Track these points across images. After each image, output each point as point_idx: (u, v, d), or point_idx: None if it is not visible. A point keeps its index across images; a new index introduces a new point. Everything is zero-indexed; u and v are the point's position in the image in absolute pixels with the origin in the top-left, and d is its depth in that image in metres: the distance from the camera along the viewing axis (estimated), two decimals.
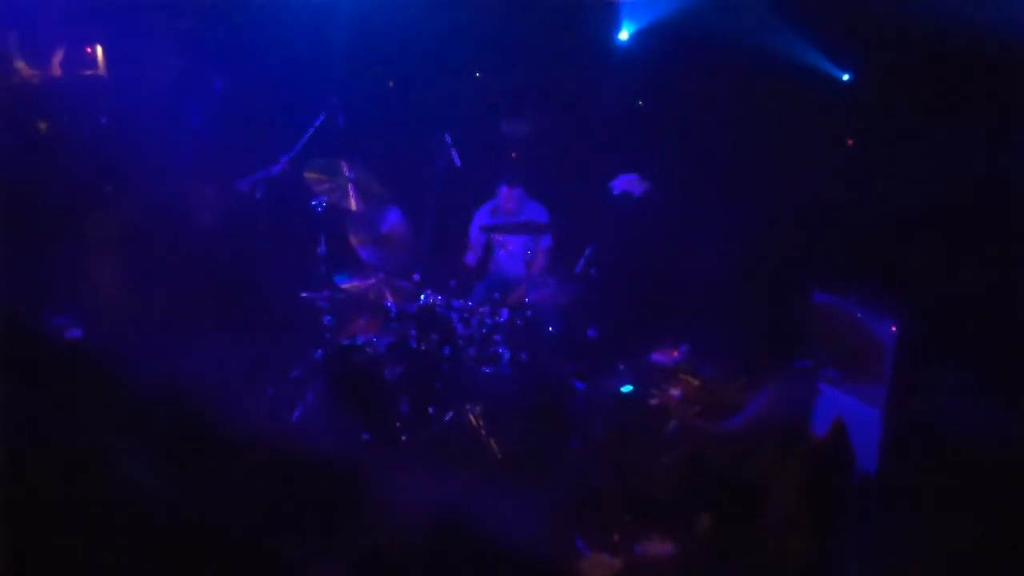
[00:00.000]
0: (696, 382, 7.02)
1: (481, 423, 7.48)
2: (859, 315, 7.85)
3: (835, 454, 5.67)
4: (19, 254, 7.57)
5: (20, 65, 8.88)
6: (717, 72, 9.93)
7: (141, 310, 8.00)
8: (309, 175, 7.91)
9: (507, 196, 8.92)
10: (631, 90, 10.94)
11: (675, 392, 6.95)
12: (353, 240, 8.18)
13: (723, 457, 5.97)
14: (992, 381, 6.25)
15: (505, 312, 8.00)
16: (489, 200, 9.23)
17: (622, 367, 7.87)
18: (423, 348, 7.79)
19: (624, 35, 10.53)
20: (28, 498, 4.30)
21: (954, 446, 6.04)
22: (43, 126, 9.00)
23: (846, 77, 10.12)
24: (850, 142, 10.24)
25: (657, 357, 7.73)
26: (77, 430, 4.68)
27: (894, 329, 7.17)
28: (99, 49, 9.46)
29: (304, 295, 8.14)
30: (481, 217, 9.25)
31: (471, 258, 9.31)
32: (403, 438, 7.39)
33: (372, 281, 8.09)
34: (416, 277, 8.22)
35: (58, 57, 9.13)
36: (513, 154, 10.36)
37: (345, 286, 8.08)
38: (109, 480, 4.47)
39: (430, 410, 7.58)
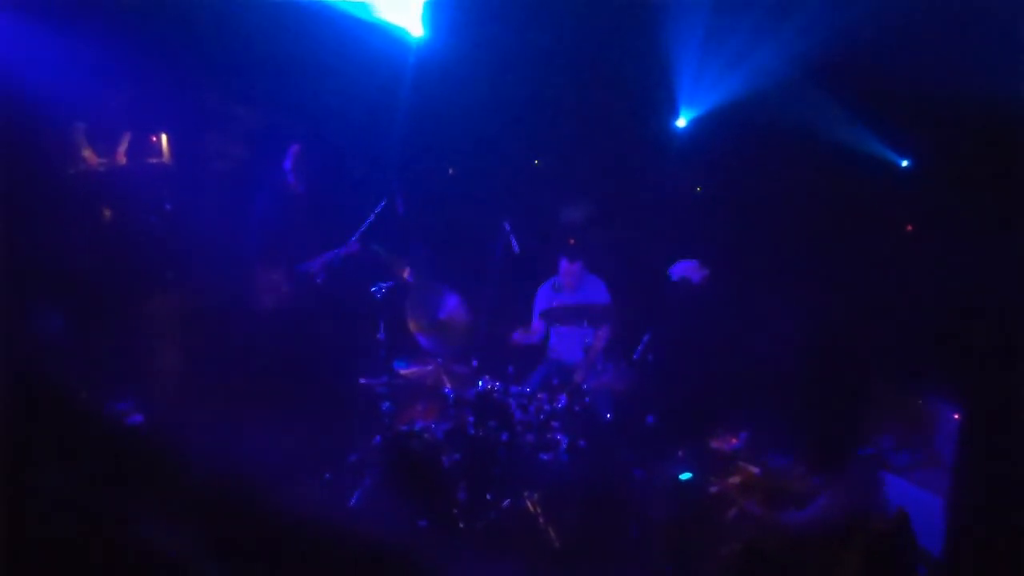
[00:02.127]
0: (755, 470, 6.95)
1: (539, 510, 7.42)
2: (922, 403, 7.77)
3: (898, 545, 5.58)
4: (83, 340, 7.70)
5: (86, 153, 9.05)
6: (775, 158, 9.95)
7: (201, 395, 8.08)
8: (370, 258, 8.01)
9: (567, 270, 8.93)
10: (689, 176, 10.98)
11: (734, 480, 6.88)
12: (412, 326, 8.23)
13: (784, 548, 5.89)
14: None
15: (563, 398, 7.97)
16: (549, 277, 9.23)
17: (681, 454, 7.80)
18: (481, 434, 7.76)
19: (682, 122, 10.60)
20: None
21: (1019, 535, 5.92)
22: (108, 213, 9.15)
23: (905, 163, 10.11)
24: (909, 228, 10.20)
25: (716, 444, 7.68)
26: (137, 515, 4.72)
27: (957, 417, 7.09)
28: (164, 137, 9.63)
29: (363, 381, 8.17)
30: (543, 294, 9.26)
31: (536, 338, 9.29)
32: (461, 525, 7.33)
33: (430, 367, 8.13)
34: (474, 363, 8.24)
35: (123, 145, 9.29)
36: (571, 240, 10.41)
37: (404, 372, 8.12)
38: (168, 565, 4.50)
39: (488, 497, 7.52)
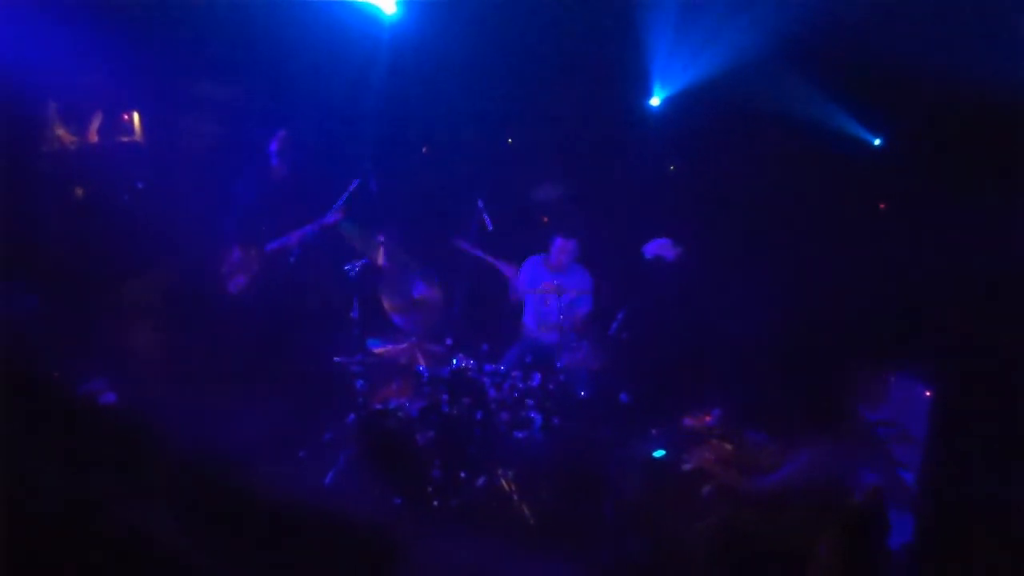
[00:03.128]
0: (729, 446, 6.97)
1: (513, 488, 7.43)
2: (894, 380, 7.81)
3: (872, 520, 5.61)
4: (55, 319, 7.65)
5: (58, 132, 8.99)
6: (748, 137, 9.97)
7: (174, 375, 8.05)
8: (343, 238, 7.99)
9: (561, 247, 8.96)
10: (662, 155, 10.99)
11: (708, 456, 6.90)
12: (386, 305, 8.22)
13: (758, 523, 5.92)
14: None
15: (538, 376, 7.98)
16: (520, 256, 9.24)
17: (655, 431, 7.82)
18: (455, 413, 7.76)
19: (655, 101, 10.60)
20: (61, 562, 4.31)
21: (986, 514, 5.97)
22: (80, 192, 9.10)
23: (877, 142, 10.14)
24: (882, 206, 10.24)
25: (690, 421, 7.70)
26: (110, 494, 4.69)
27: (928, 395, 7.13)
28: (136, 116, 9.57)
29: (337, 360, 8.16)
30: (529, 266, 9.29)
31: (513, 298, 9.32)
32: (435, 503, 7.33)
33: (405, 346, 8.14)
34: (448, 341, 8.23)
35: (96, 124, 9.24)
36: (544, 219, 10.40)
37: (378, 351, 8.13)
38: (140, 544, 4.48)
39: (462, 475, 7.53)
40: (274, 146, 8.93)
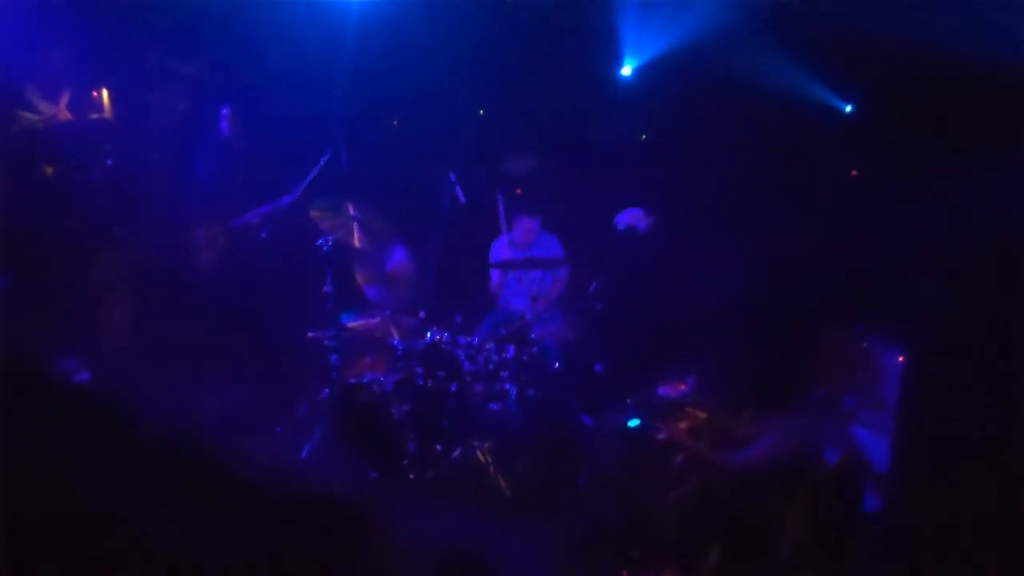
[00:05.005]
0: (703, 415, 7.01)
1: (489, 460, 7.46)
2: (867, 346, 7.84)
3: (846, 486, 5.65)
4: (26, 297, 7.61)
5: (26, 109, 8.93)
6: (720, 106, 9.96)
7: (148, 352, 8.03)
8: (314, 213, 7.96)
9: (525, 227, 8.89)
10: (634, 125, 10.97)
11: (682, 425, 6.93)
12: (359, 278, 8.21)
13: (732, 491, 5.95)
14: (996, 411, 6.23)
15: (511, 348, 7.98)
16: (503, 234, 9.22)
17: (629, 401, 7.85)
18: (430, 385, 7.76)
19: (627, 70, 10.57)
20: (35, 540, 4.31)
21: (960, 477, 6.01)
22: (49, 170, 9.05)
23: (849, 108, 10.15)
24: (854, 173, 10.26)
25: (664, 391, 7.73)
26: (84, 472, 4.68)
27: (901, 359, 7.16)
28: (105, 92, 9.51)
29: (310, 334, 8.15)
30: (498, 249, 9.24)
31: (493, 286, 9.30)
32: (411, 476, 7.37)
33: (378, 319, 8.12)
34: (422, 314, 8.22)
35: (64, 100, 9.18)
36: (517, 190, 10.38)
37: (351, 324, 8.12)
38: (115, 521, 4.47)
39: (437, 447, 7.55)
40: (224, 114, 8.93)
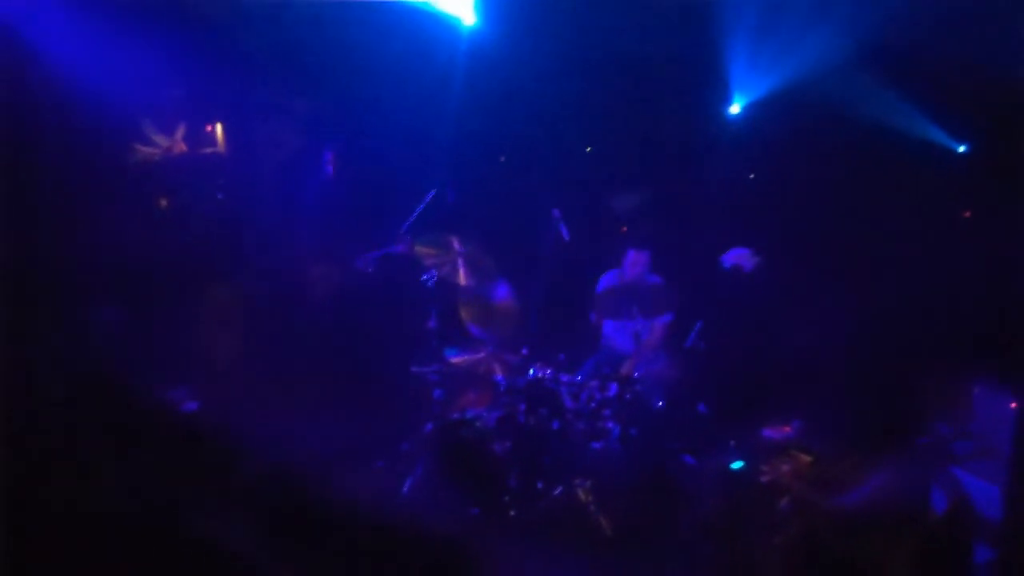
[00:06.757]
0: (808, 458, 6.90)
1: (590, 499, 7.42)
2: (978, 391, 7.67)
3: (954, 535, 5.53)
4: (137, 327, 7.80)
5: (142, 143, 9.15)
6: (828, 145, 9.85)
7: (254, 384, 8.15)
8: (419, 249, 8.03)
9: (634, 260, 8.84)
10: (742, 163, 10.90)
11: (787, 468, 6.84)
12: (463, 314, 8.25)
13: (836, 536, 5.85)
14: None
15: (614, 387, 7.95)
16: (598, 265, 9.20)
17: (732, 443, 7.77)
18: (532, 423, 7.75)
19: (735, 108, 10.52)
20: (139, 567, 4.39)
21: None
22: (164, 202, 9.25)
23: (962, 148, 9.97)
24: (967, 214, 10.07)
25: (768, 432, 7.64)
26: (191, 501, 4.77)
27: (1014, 406, 6.99)
28: (219, 127, 9.72)
29: (414, 369, 8.20)
30: (605, 283, 9.21)
31: (594, 317, 9.29)
32: (512, 513, 7.34)
33: (482, 355, 8.14)
34: (525, 351, 8.23)
35: (180, 134, 9.39)
36: (623, 228, 10.36)
37: (455, 360, 8.14)
38: (217, 552, 4.54)
39: (538, 485, 7.52)
40: (327, 157, 9.06)
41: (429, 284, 8.01)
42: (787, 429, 7.57)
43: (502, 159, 10.92)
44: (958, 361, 7.84)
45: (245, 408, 7.34)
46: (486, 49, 9.49)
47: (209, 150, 9.72)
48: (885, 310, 8.52)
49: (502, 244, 8.78)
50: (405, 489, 7.63)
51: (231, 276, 9.01)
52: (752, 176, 10.95)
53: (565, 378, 8.04)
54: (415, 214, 8.66)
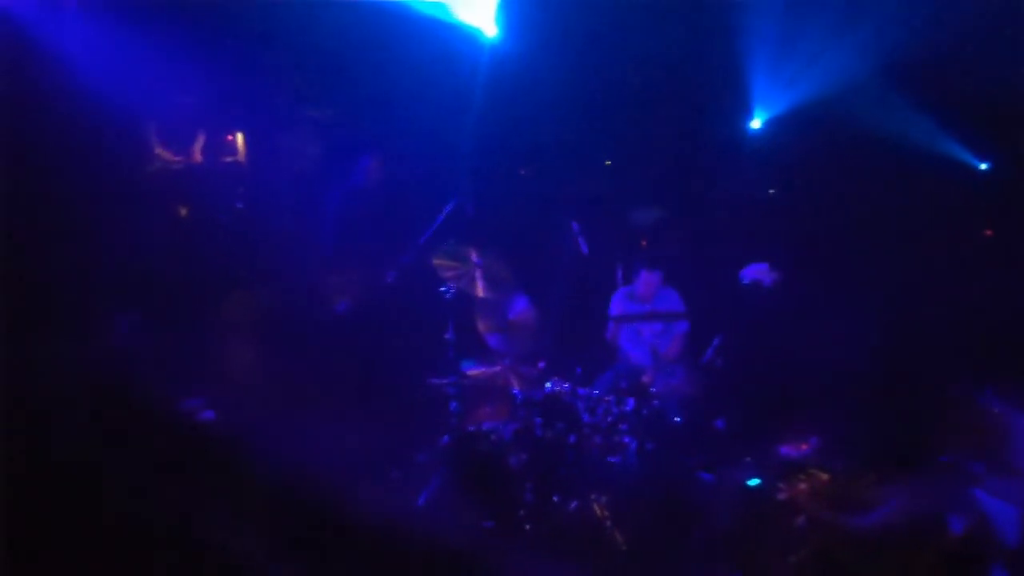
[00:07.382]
0: (825, 476, 6.86)
1: (606, 513, 7.40)
2: (998, 410, 7.63)
3: (973, 557, 5.49)
4: (155, 336, 7.81)
5: (161, 151, 9.17)
6: (849, 161, 9.83)
7: (270, 394, 8.14)
8: (437, 261, 8.02)
9: (646, 280, 8.88)
10: (763, 178, 10.88)
11: (803, 486, 6.80)
12: (481, 326, 8.23)
13: (853, 555, 5.81)
14: None
15: (631, 401, 7.93)
16: (625, 286, 9.20)
17: (749, 459, 7.74)
18: (548, 436, 7.75)
19: (756, 123, 10.51)
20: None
21: None
22: (183, 211, 9.27)
23: (984, 166, 9.94)
24: (989, 233, 10.03)
25: (786, 450, 7.60)
26: (207, 511, 4.77)
27: None
28: (239, 137, 9.74)
29: (432, 381, 8.20)
30: (617, 301, 9.23)
31: (609, 336, 9.28)
32: (527, 527, 7.33)
33: (498, 368, 8.14)
34: (542, 364, 8.23)
35: (199, 144, 9.41)
36: (643, 242, 10.35)
37: (472, 372, 8.14)
38: (237, 561, 4.54)
39: (554, 499, 7.51)
40: (362, 166, 9.09)
41: (447, 296, 8.00)
42: (805, 447, 7.53)
43: (521, 172, 10.92)
44: (978, 380, 7.79)
45: (261, 418, 7.34)
46: (506, 61, 9.50)
47: (229, 159, 9.74)
48: (904, 327, 8.48)
49: (520, 257, 8.78)
50: (421, 501, 7.63)
51: (249, 285, 9.02)
52: (772, 191, 10.93)
53: (582, 391, 8.03)
54: (434, 226, 8.66)
